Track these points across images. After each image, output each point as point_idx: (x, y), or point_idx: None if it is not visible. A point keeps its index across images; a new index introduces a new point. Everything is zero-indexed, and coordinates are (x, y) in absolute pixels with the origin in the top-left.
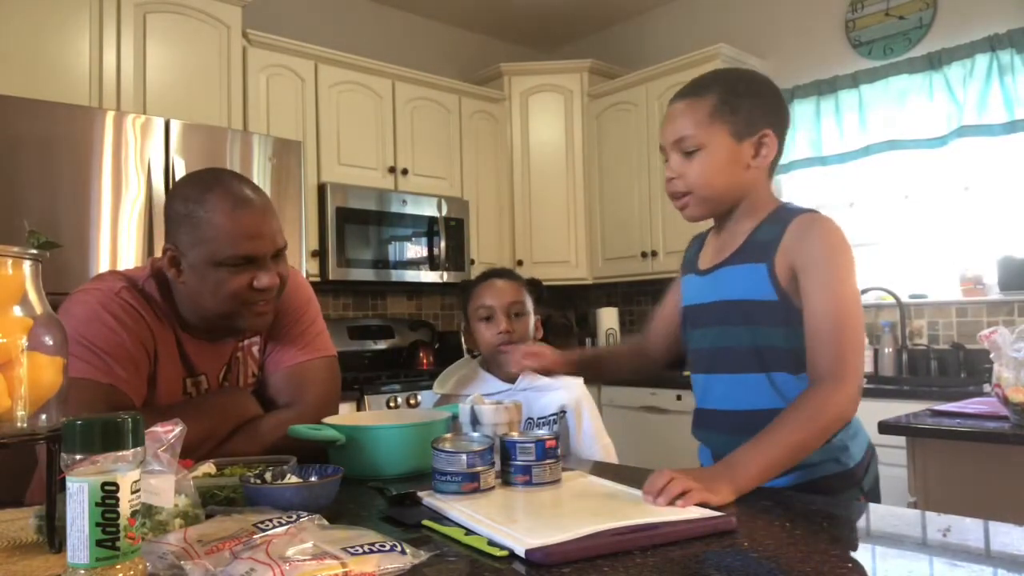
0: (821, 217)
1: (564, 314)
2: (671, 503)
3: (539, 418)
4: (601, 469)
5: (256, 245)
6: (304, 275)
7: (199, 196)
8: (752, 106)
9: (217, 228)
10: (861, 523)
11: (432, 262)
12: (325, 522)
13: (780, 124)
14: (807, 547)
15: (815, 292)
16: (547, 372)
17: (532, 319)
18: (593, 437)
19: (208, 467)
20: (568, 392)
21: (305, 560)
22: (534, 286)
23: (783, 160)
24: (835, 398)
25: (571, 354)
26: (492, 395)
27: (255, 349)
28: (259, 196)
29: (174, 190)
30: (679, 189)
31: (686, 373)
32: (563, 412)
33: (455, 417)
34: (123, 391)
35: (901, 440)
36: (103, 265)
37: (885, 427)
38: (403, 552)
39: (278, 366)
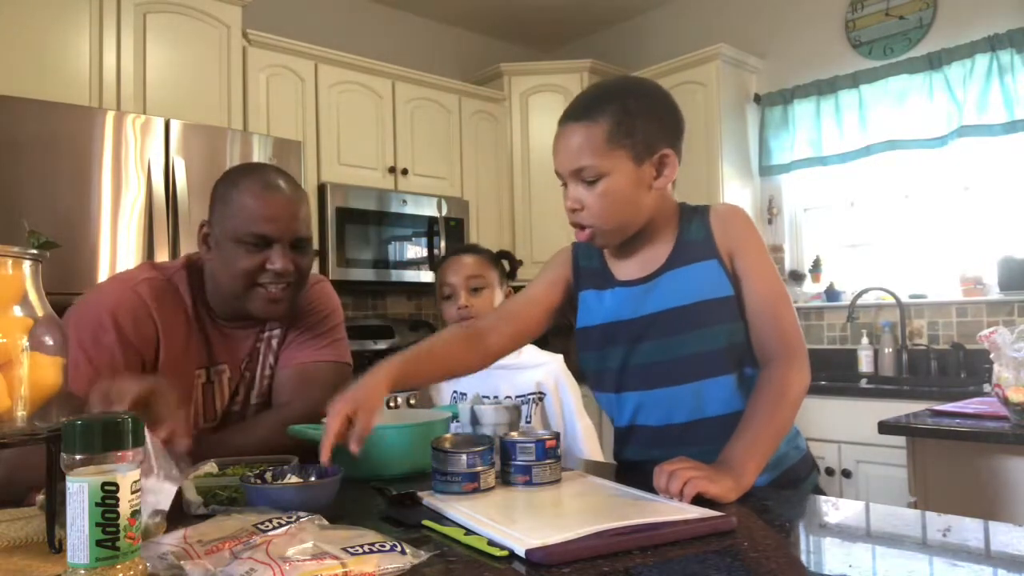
0: (732, 205)
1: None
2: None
3: (517, 396)
4: (601, 469)
5: (273, 227)
6: None
7: (237, 179)
8: (648, 125)
9: (242, 207)
10: (861, 523)
11: (432, 262)
12: (325, 522)
13: (678, 139)
14: (807, 547)
15: (752, 273)
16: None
17: (497, 293)
18: (574, 414)
19: (210, 467)
20: (545, 369)
21: (305, 560)
22: (503, 259)
23: (782, 160)
24: (795, 372)
25: (388, 371)
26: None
27: (274, 342)
28: (290, 187)
29: (223, 175)
30: (584, 222)
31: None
32: (542, 395)
33: (455, 417)
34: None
35: (901, 440)
36: (103, 265)
37: (885, 427)
38: (403, 552)
39: (289, 361)
